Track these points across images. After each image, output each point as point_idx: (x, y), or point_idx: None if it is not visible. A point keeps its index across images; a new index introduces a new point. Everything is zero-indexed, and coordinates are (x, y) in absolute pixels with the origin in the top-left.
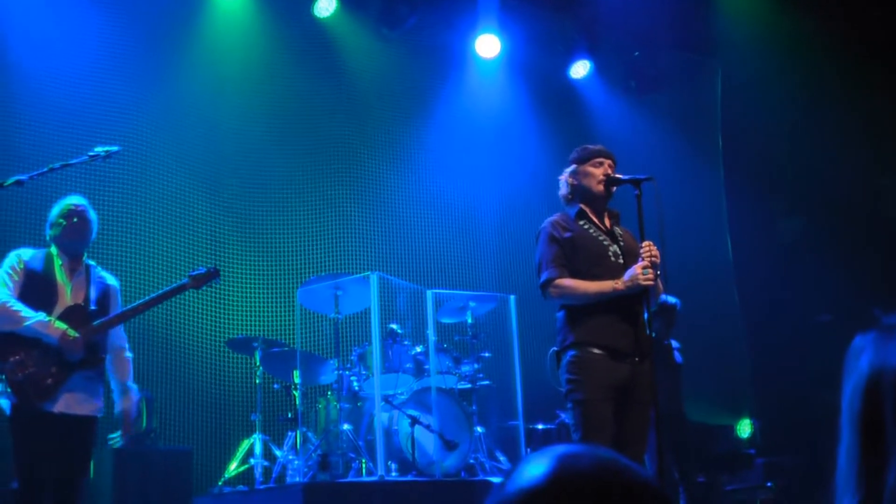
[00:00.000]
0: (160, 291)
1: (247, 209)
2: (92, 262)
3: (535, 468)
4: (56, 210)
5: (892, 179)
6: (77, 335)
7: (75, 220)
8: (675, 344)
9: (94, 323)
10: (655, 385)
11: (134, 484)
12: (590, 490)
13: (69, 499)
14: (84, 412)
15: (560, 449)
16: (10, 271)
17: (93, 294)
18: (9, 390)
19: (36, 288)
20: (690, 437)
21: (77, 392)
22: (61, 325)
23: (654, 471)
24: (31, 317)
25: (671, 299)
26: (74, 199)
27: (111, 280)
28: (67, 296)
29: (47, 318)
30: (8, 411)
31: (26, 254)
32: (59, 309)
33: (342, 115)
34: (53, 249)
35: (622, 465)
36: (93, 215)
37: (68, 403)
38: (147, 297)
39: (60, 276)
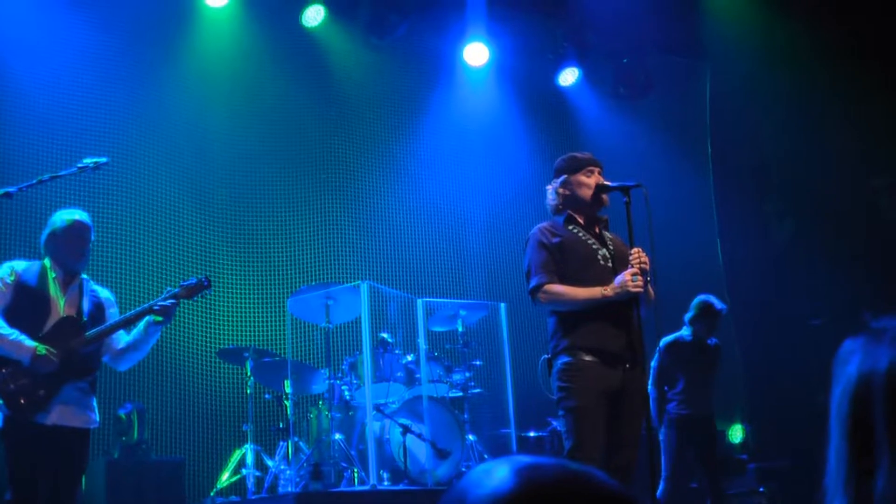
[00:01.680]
0: (151, 302)
1: (236, 219)
2: (85, 277)
3: (496, 478)
4: (59, 223)
5: (884, 181)
6: (44, 351)
7: (78, 239)
8: (712, 342)
9: (87, 334)
10: (647, 392)
11: (127, 495)
12: (557, 500)
13: None
14: (77, 424)
15: (522, 459)
16: (0, 284)
17: (86, 307)
18: (0, 402)
19: (29, 301)
20: (717, 448)
21: (70, 404)
22: (30, 344)
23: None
24: (5, 336)
25: (718, 303)
26: (79, 216)
27: (104, 293)
28: (61, 309)
29: (17, 338)
30: (1, 423)
31: (20, 265)
32: (51, 322)
33: (331, 124)
34: (47, 262)
35: (589, 474)
36: (93, 235)
37: (62, 415)
38: (138, 308)
39: (54, 289)
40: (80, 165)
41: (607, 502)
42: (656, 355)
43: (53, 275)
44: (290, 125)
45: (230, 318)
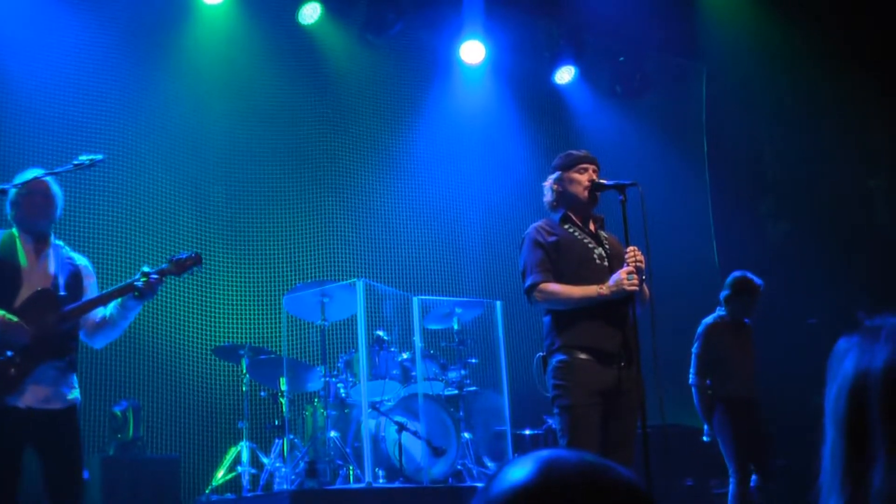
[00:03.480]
0: (133, 278)
1: (232, 216)
2: (59, 243)
3: (520, 470)
4: (15, 185)
5: (879, 182)
6: (16, 319)
7: (36, 197)
8: (748, 321)
9: (65, 309)
10: (643, 390)
11: (122, 492)
12: (575, 490)
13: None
14: (56, 406)
15: (544, 452)
16: None
17: (61, 277)
18: None
19: None
20: (766, 427)
21: (46, 384)
22: None
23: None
24: None
25: (756, 279)
26: (34, 173)
27: (81, 260)
28: (33, 279)
29: None
30: None
31: None
32: (24, 293)
33: (327, 122)
34: (15, 230)
35: (607, 466)
36: (56, 189)
37: (36, 397)
38: (120, 284)
39: (23, 258)
40: (75, 162)
41: (624, 495)
42: (696, 341)
43: (24, 243)
44: (286, 122)
45: (226, 316)
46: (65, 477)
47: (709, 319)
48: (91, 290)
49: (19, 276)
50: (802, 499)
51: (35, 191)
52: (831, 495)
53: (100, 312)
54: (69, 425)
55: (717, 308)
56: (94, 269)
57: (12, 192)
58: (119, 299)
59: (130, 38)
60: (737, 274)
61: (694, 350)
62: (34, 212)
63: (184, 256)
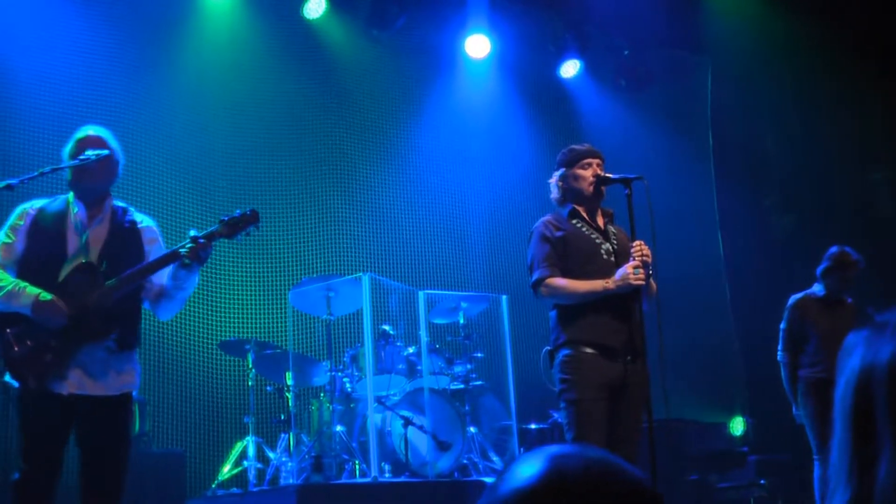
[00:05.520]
0: (178, 245)
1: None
2: (121, 204)
3: (527, 469)
4: (69, 148)
5: (883, 175)
6: (49, 297)
7: (91, 156)
8: (849, 299)
9: (107, 283)
10: (648, 384)
11: (128, 487)
12: (579, 491)
13: (100, 498)
14: (102, 392)
15: (552, 449)
16: (8, 231)
17: (113, 246)
18: (6, 372)
19: (42, 244)
20: None
21: (91, 369)
22: (32, 291)
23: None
24: (3, 286)
25: (854, 253)
26: (88, 130)
27: (146, 222)
28: (80, 248)
29: (18, 286)
30: (19, 392)
31: (37, 203)
32: (68, 268)
33: (332, 116)
34: (71, 196)
35: (613, 464)
36: (115, 145)
37: (80, 383)
38: (167, 251)
39: (72, 228)
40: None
41: (632, 495)
42: (785, 315)
43: (75, 210)
44: (291, 117)
45: (231, 311)
46: (101, 474)
47: (798, 294)
48: (154, 254)
49: (64, 249)
50: (807, 492)
51: (94, 150)
52: (839, 487)
53: (164, 279)
54: (115, 416)
55: (815, 284)
56: (161, 231)
57: (67, 153)
58: (171, 269)
59: (136, 34)
60: (834, 248)
61: (781, 325)
62: (94, 177)
63: (237, 215)
